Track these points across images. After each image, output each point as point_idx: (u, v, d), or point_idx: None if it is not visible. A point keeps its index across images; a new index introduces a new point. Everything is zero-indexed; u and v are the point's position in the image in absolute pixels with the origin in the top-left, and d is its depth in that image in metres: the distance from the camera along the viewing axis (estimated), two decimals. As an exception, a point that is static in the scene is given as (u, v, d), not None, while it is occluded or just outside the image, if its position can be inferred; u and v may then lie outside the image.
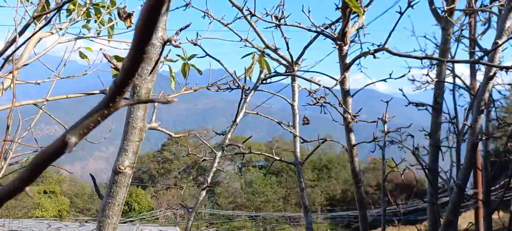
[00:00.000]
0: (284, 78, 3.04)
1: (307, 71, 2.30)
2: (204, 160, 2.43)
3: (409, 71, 3.14)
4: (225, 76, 2.84)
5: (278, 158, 2.79)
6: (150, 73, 0.97)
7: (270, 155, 2.80)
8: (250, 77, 3.09)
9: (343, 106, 2.04)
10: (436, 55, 3.46)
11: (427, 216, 3.11)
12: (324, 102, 1.97)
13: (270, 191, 45.71)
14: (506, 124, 3.27)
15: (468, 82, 4.65)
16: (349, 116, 2.08)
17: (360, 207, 2.12)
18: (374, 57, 1.94)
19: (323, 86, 1.87)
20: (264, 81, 2.19)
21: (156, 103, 1.45)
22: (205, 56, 2.43)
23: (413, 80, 4.11)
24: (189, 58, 2.80)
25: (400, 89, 3.40)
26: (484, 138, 4.07)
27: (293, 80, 3.12)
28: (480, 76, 4.87)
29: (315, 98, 2.01)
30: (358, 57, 2.06)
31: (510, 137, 4.40)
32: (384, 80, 2.16)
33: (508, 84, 3.57)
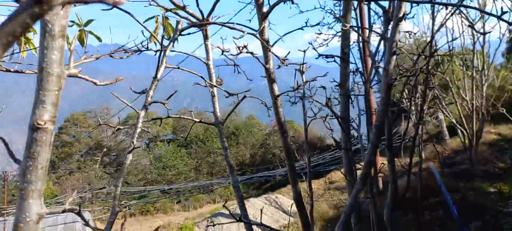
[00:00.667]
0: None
1: (224, 24, 2.19)
2: (118, 129, 2.23)
3: (321, 22, 3.22)
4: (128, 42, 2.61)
5: (198, 120, 2.68)
6: (62, 7, 0.80)
7: (190, 117, 2.68)
8: (155, 43, 2.88)
9: (265, 57, 2.01)
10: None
11: (343, 162, 3.29)
12: (247, 52, 1.90)
13: (181, 163, 45.65)
14: (405, 71, 3.58)
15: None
16: (271, 67, 2.05)
17: (288, 157, 2.15)
18: (293, 2, 1.92)
19: (247, 33, 1.80)
20: (180, 34, 2.04)
21: (72, 47, 1.24)
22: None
23: (320, 33, 4.26)
24: (86, 24, 2.51)
25: (310, 43, 3.49)
26: (397, 79, 4.38)
27: (206, 38, 2.99)
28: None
29: (239, 47, 1.94)
30: (276, 3, 2.02)
31: (405, 84, 4.82)
32: (301, 28, 2.18)
33: (407, 31, 3.88)
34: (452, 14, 6.05)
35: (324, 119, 2.83)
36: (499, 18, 1.52)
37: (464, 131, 9.93)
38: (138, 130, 1.57)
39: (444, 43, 8.16)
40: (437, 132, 18.50)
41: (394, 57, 2.20)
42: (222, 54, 2.81)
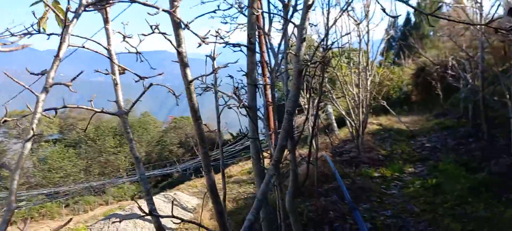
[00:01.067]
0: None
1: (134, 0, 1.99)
2: (5, 121, 1.92)
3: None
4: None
5: (99, 110, 2.44)
6: None
7: (90, 108, 2.43)
8: (44, 29, 2.56)
9: (177, 40, 1.89)
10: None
11: (251, 151, 3.30)
12: (159, 33, 1.77)
13: (69, 164, 42.21)
14: (305, 61, 3.73)
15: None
16: (183, 50, 1.94)
17: (202, 144, 2.06)
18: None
19: (163, 10, 1.66)
20: (83, 11, 1.81)
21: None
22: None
23: (226, 23, 4.25)
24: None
25: (216, 32, 3.44)
26: (306, 64, 4.48)
27: (106, 22, 2.75)
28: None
29: (151, 26, 1.79)
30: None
31: (304, 76, 5.02)
32: (213, 12, 2.11)
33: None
34: (343, 12, 6.52)
35: (238, 106, 2.81)
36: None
37: (352, 122, 10.86)
38: (38, 115, 1.34)
39: (334, 40, 8.81)
40: (327, 124, 19.90)
41: (304, 44, 2.26)
42: (123, 40, 2.61)
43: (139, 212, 2.46)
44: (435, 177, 8.39)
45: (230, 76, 3.16)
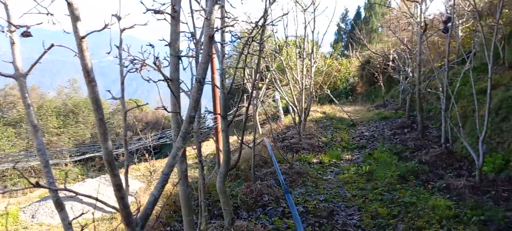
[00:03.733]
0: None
1: None
2: None
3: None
4: None
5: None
6: None
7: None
8: None
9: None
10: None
11: (172, 126, 3.14)
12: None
13: (8, 144, 39.66)
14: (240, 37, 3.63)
15: None
16: (74, 2, 1.74)
17: (97, 110, 1.88)
18: None
19: None
20: None
21: None
22: None
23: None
24: None
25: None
26: (220, 29, 4.34)
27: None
28: None
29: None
30: None
31: (240, 55, 4.90)
32: None
33: None
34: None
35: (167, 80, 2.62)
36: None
37: (295, 108, 10.97)
38: None
39: (274, 20, 8.80)
40: (276, 111, 20.10)
41: (216, 6, 2.12)
42: None
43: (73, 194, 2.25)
44: (369, 164, 8.65)
45: (150, 45, 2.97)
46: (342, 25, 41.76)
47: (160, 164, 22.45)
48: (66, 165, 41.58)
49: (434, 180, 7.53)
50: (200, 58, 2.71)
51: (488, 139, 8.35)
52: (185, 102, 3.08)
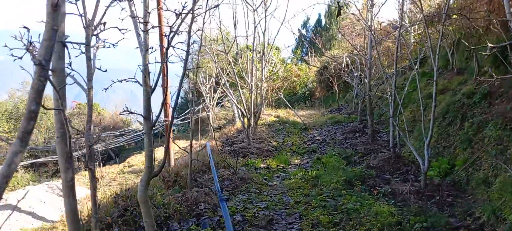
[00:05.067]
0: None
1: None
2: None
3: None
4: None
5: None
6: None
7: None
8: None
9: None
10: None
11: (55, 126, 2.65)
12: None
13: None
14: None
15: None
16: None
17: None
18: None
19: None
20: None
21: None
22: None
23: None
24: None
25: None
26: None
27: None
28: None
29: None
30: None
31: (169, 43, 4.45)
32: None
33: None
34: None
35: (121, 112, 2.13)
36: None
37: (244, 112, 10.59)
38: None
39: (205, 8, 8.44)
40: (233, 115, 19.74)
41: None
42: None
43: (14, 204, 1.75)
44: (317, 169, 8.40)
45: (25, 27, 2.46)
46: (303, 32, 42.16)
47: (115, 170, 21.51)
48: (16, 171, 39.17)
49: (380, 185, 7.36)
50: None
51: (435, 143, 8.32)
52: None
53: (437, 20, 12.72)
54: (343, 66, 13.71)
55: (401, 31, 9.01)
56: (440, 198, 6.52)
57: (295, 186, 7.46)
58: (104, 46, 3.15)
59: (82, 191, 16.25)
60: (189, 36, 4.54)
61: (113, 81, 4.43)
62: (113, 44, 3.28)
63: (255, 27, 10.10)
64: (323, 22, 39.95)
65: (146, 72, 4.36)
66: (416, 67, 8.13)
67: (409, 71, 12.62)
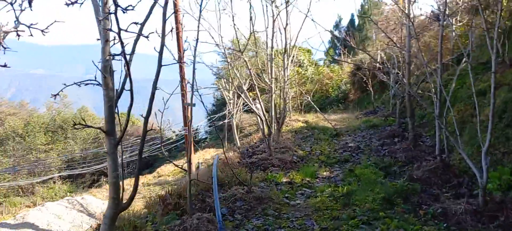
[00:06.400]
0: None
1: None
2: None
3: None
4: None
5: None
6: None
7: None
8: None
9: None
10: None
11: None
12: None
13: (-7, 162, 38.17)
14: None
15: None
16: None
17: None
18: None
19: None
20: None
21: None
22: None
23: None
24: None
25: None
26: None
27: None
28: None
29: None
30: None
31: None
32: None
33: None
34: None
35: None
36: None
37: (263, 118, 9.34)
38: None
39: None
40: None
41: None
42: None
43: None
44: (349, 184, 7.08)
45: None
46: (336, 33, 40.85)
47: (146, 180, 20.90)
48: (54, 182, 39.84)
49: (427, 202, 6.00)
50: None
51: (491, 148, 6.79)
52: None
53: (484, 8, 11.08)
54: (378, 63, 12.24)
55: (445, 19, 7.58)
56: (506, 218, 5.15)
57: (322, 206, 6.16)
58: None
59: (102, 205, 15.57)
60: (164, 20, 3.43)
61: (64, 84, 3.39)
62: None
63: (274, 20, 8.87)
64: (356, 22, 38.71)
65: (106, 70, 3.27)
66: (465, 57, 6.64)
67: (452, 64, 11.02)
